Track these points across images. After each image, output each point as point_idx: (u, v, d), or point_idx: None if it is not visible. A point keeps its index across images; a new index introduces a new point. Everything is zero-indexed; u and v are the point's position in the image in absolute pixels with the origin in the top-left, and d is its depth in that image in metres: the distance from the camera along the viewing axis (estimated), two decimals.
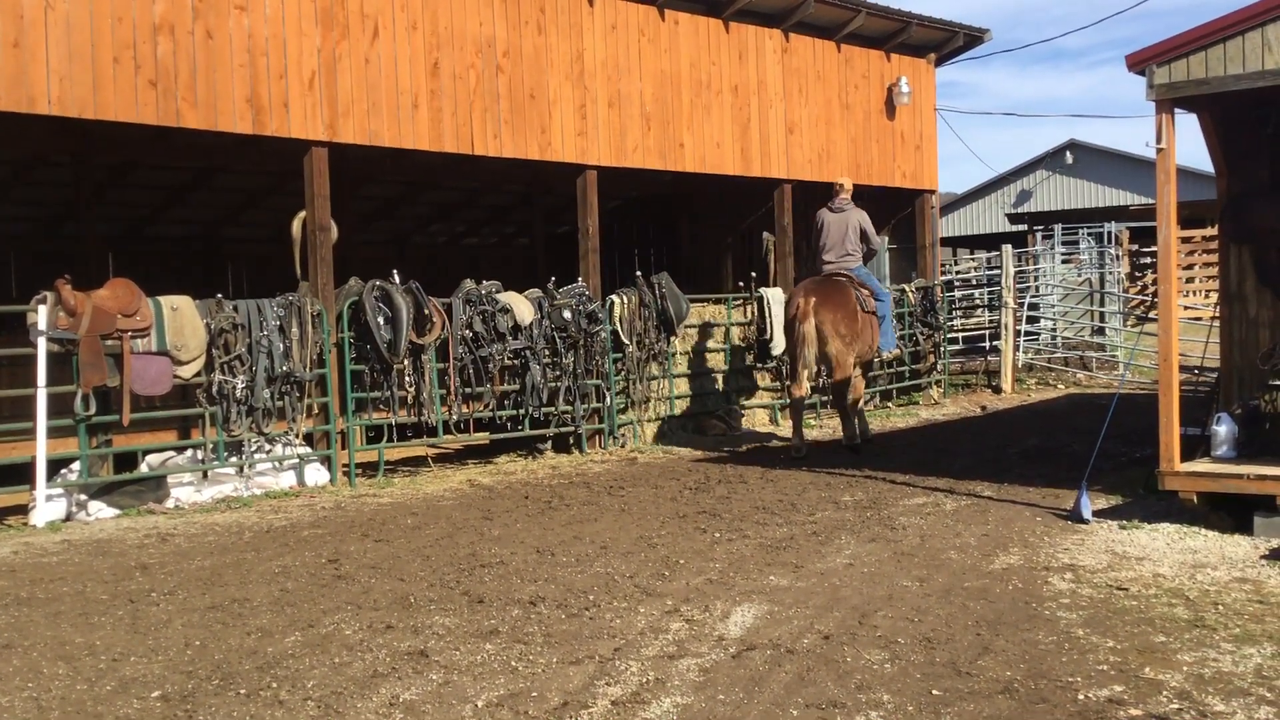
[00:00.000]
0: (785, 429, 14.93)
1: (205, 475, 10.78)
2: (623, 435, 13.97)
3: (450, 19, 12.69)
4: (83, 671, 5.68)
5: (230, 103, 11.03)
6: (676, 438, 14.38)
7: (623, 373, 14.01)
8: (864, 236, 13.45)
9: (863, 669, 5.44)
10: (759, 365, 15.84)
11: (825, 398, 16.41)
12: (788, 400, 14.12)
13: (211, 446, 10.74)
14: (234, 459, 10.92)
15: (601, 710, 5.00)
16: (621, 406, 14.01)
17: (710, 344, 15.39)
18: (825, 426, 15.57)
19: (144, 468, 10.60)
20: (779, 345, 15.52)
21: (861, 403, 13.65)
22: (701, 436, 14.61)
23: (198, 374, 10.58)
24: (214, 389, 10.65)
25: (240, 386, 10.77)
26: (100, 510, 9.94)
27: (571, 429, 13.43)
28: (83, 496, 9.97)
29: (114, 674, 5.64)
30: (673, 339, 14.53)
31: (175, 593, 7.18)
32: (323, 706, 5.13)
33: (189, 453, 10.83)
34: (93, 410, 9.96)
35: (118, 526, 9.54)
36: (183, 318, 10.46)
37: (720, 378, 15.48)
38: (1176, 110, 8.48)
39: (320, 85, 11.64)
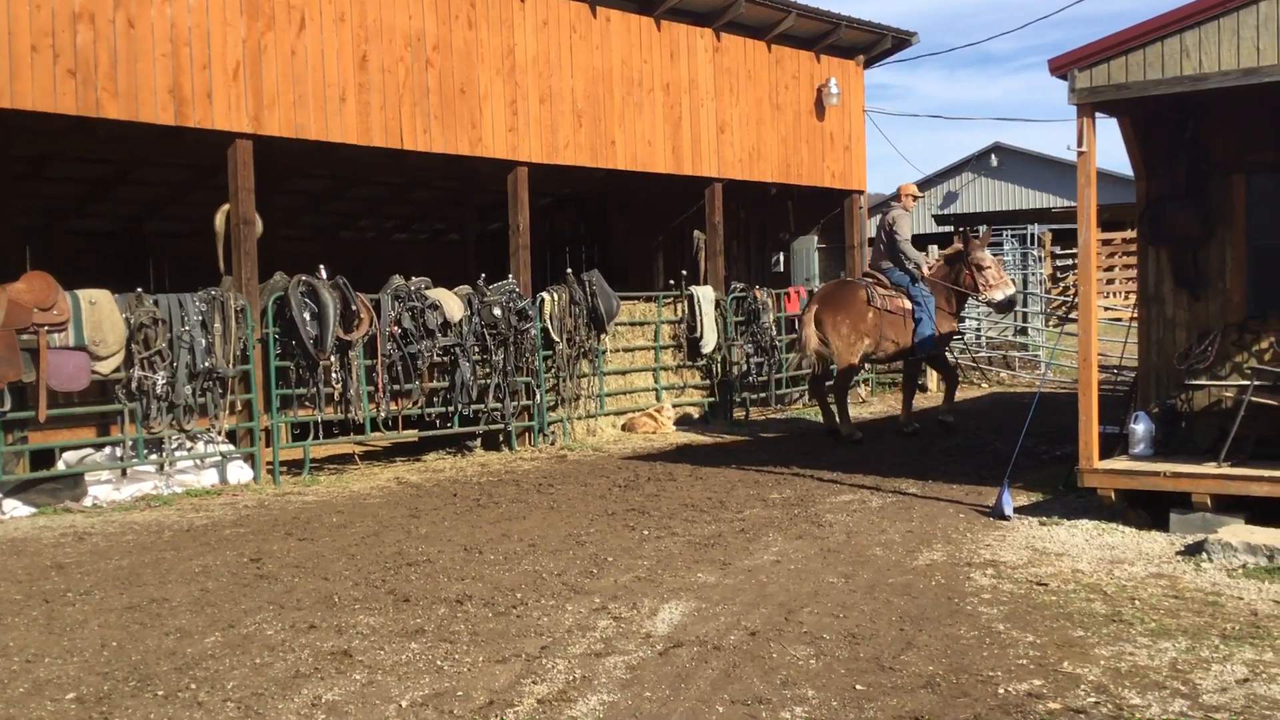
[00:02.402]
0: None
1: (124, 473, 10.57)
2: (552, 433, 13.93)
3: (379, 11, 12.56)
4: None
5: (152, 93, 10.82)
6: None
7: (553, 370, 13.98)
8: (891, 235, 13.90)
9: (788, 665, 5.48)
10: (689, 364, 15.90)
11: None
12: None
13: (131, 444, 10.53)
14: (154, 456, 10.72)
15: (527, 709, 4.98)
16: (551, 404, 13.98)
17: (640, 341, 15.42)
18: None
19: (61, 465, 10.37)
20: (709, 343, 15.69)
21: (956, 388, 14.80)
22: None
23: (117, 369, 10.38)
24: (134, 385, 10.45)
25: (161, 382, 10.58)
26: (15, 509, 9.71)
27: (501, 426, 13.37)
28: None
29: (27, 676, 5.50)
30: (603, 336, 14.54)
31: (92, 593, 7.03)
32: (243, 708, 5.05)
33: (108, 450, 10.60)
34: (7, 406, 9.73)
35: (33, 525, 9.32)
36: (101, 312, 10.25)
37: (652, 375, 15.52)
38: (1098, 114, 8.65)
39: (245, 76, 11.46)
